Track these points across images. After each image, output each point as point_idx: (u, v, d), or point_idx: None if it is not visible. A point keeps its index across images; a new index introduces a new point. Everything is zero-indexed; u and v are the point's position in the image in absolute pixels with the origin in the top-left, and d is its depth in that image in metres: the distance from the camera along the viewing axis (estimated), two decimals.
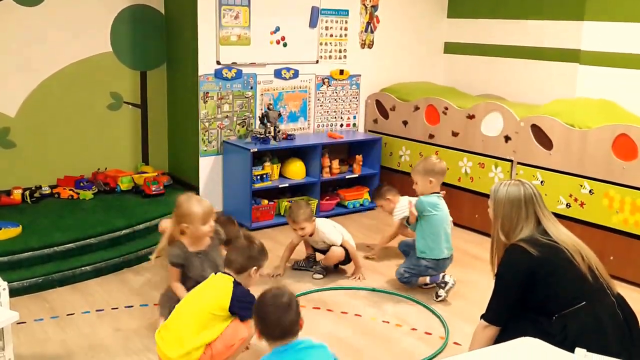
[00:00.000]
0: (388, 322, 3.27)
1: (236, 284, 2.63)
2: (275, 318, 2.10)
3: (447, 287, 3.53)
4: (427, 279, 3.62)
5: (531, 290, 2.38)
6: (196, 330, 2.54)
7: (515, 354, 1.86)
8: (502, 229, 2.48)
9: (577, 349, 1.89)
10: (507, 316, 2.43)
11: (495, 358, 1.83)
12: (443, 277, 3.57)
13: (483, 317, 2.47)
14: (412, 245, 3.74)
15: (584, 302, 2.32)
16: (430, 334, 3.17)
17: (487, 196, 4.47)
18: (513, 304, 2.41)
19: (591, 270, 2.37)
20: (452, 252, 3.69)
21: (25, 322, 3.11)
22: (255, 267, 2.71)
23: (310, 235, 3.80)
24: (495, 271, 2.49)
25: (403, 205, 4.08)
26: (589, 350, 2.13)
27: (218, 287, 2.64)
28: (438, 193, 3.69)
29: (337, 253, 3.79)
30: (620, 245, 3.84)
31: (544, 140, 4.26)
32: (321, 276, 3.81)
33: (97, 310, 3.29)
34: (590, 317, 2.30)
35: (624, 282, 3.80)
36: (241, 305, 2.58)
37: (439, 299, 3.52)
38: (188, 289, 2.87)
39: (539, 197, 2.49)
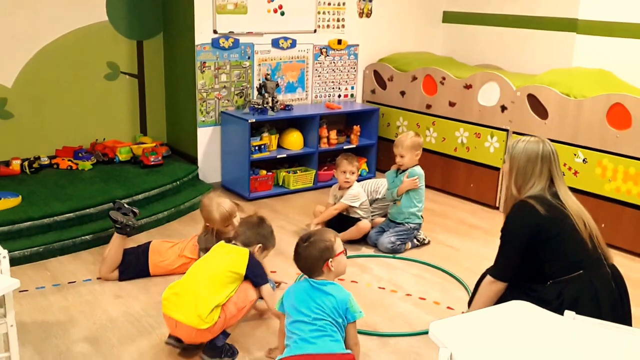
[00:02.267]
0: (383, 288, 3.34)
1: (251, 254, 2.69)
2: (297, 253, 2.41)
3: (426, 240, 3.94)
4: (409, 246, 3.86)
5: (533, 250, 2.39)
6: (211, 291, 2.56)
7: (505, 316, 1.91)
8: (516, 183, 2.47)
9: (567, 311, 1.94)
10: (513, 272, 2.44)
11: (486, 321, 1.88)
12: (422, 239, 3.93)
13: (489, 272, 2.49)
14: (381, 230, 3.88)
15: (581, 271, 2.36)
16: (424, 299, 3.23)
17: (483, 166, 4.61)
18: (519, 261, 2.42)
19: (591, 239, 2.39)
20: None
21: (27, 290, 3.17)
22: (260, 245, 2.77)
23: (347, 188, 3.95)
24: (502, 226, 2.49)
25: (359, 192, 4.02)
26: (583, 312, 2.16)
27: (234, 252, 2.70)
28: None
29: (364, 228, 3.87)
30: (612, 213, 3.90)
31: (539, 109, 4.27)
32: None
33: (97, 278, 3.34)
34: (586, 286, 2.34)
35: (615, 248, 3.86)
36: (255, 272, 2.67)
37: (424, 241, 3.92)
38: None
39: (556, 157, 2.49)
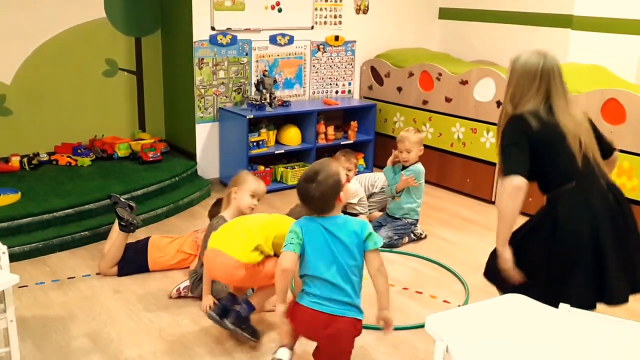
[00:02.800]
0: None
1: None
2: (304, 193, 2.24)
3: (423, 235, 3.97)
4: (406, 240, 3.88)
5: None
6: (258, 232, 2.57)
7: (501, 310, 1.94)
8: (512, 98, 2.37)
9: (561, 304, 1.96)
10: (526, 168, 2.27)
11: (482, 314, 1.91)
12: (419, 234, 3.95)
13: (503, 173, 2.31)
14: (378, 225, 3.89)
15: (574, 182, 2.30)
16: (420, 292, 3.26)
17: (479, 160, 4.64)
18: (527, 158, 2.28)
19: (585, 156, 2.32)
20: None
21: (27, 286, 3.18)
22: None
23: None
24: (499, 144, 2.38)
25: (357, 189, 4.05)
26: (580, 232, 2.27)
27: (284, 218, 2.71)
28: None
29: None
30: None
31: None
32: None
33: (97, 274, 3.36)
34: (581, 197, 2.29)
35: None
36: None
37: (421, 235, 3.95)
38: None
39: (558, 72, 2.35)
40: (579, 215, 2.29)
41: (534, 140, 2.29)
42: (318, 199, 2.22)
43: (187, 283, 3.12)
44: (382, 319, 2.32)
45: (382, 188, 4.13)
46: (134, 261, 3.36)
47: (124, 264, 3.35)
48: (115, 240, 3.35)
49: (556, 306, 2.21)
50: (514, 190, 2.26)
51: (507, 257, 2.34)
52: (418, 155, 3.86)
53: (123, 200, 3.48)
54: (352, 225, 2.25)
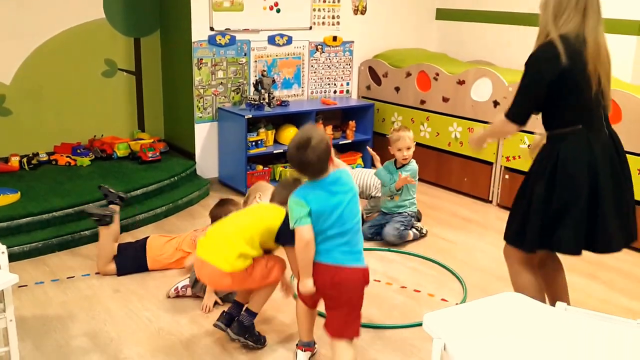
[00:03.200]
0: (379, 281, 3.38)
1: (287, 215, 2.55)
2: (299, 160, 2.26)
3: (424, 230, 4.02)
4: (412, 235, 3.91)
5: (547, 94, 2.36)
6: (240, 239, 2.53)
7: (498, 308, 1.95)
8: (554, 17, 2.35)
9: (558, 303, 1.98)
10: (527, 117, 2.38)
11: (479, 312, 1.92)
12: (421, 229, 4.01)
13: (505, 114, 2.43)
14: (378, 224, 3.92)
15: (580, 125, 2.35)
16: (419, 291, 3.28)
17: (476, 160, 4.65)
18: (535, 105, 2.38)
19: (598, 99, 2.37)
20: None
21: (26, 285, 3.19)
22: None
23: None
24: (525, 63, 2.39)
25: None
26: (579, 176, 2.34)
27: (272, 209, 2.65)
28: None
29: None
30: None
31: None
32: None
33: (96, 273, 3.36)
34: (584, 141, 2.35)
35: None
36: (287, 232, 2.51)
37: (422, 231, 4.00)
38: None
39: None
40: (580, 159, 2.34)
41: (555, 75, 2.31)
42: (315, 164, 2.25)
43: (185, 282, 3.13)
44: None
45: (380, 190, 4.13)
46: (132, 260, 3.37)
47: (122, 263, 3.36)
48: (100, 237, 3.37)
49: (550, 249, 2.43)
50: (503, 133, 2.61)
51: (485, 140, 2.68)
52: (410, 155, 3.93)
53: (112, 191, 3.49)
54: (343, 176, 2.32)
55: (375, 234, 3.91)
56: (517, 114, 2.40)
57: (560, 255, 2.65)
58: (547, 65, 2.32)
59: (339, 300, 2.32)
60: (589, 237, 2.37)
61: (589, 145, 2.36)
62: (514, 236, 2.53)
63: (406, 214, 3.90)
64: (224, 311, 2.75)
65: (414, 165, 3.91)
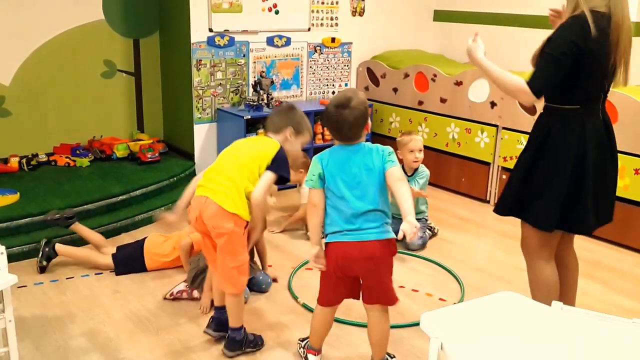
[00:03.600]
0: None
1: (281, 148, 2.54)
2: (336, 119, 2.20)
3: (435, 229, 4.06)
4: (428, 233, 3.99)
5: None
6: (242, 177, 2.46)
7: (494, 307, 1.95)
8: None
9: (554, 302, 1.99)
10: (549, 91, 2.33)
11: (476, 312, 1.93)
12: (433, 229, 4.04)
13: (527, 82, 2.30)
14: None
15: (579, 107, 2.36)
16: (417, 291, 3.29)
17: (474, 160, 4.67)
18: (557, 80, 2.29)
19: (602, 82, 2.36)
20: None
21: (25, 286, 3.20)
22: (291, 128, 2.59)
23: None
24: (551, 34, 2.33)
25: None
26: (566, 154, 2.37)
27: (266, 141, 2.56)
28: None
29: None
30: None
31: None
32: None
33: (96, 274, 3.37)
34: (578, 122, 2.36)
35: (603, 240, 3.95)
36: (280, 165, 2.49)
37: (434, 229, 4.04)
38: None
39: None
40: (570, 141, 2.36)
41: (579, 54, 2.26)
42: (350, 125, 2.20)
43: (181, 287, 3.13)
44: (404, 227, 2.10)
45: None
46: (131, 260, 3.38)
47: (121, 263, 3.37)
48: (79, 233, 3.54)
49: (522, 218, 2.51)
50: (523, 99, 2.35)
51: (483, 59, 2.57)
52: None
53: (58, 216, 3.51)
54: (375, 149, 2.25)
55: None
56: (537, 86, 2.28)
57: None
58: (576, 38, 2.24)
59: (370, 274, 2.29)
60: (565, 216, 2.39)
61: (582, 127, 2.36)
62: (499, 202, 2.59)
63: (424, 219, 3.95)
64: (211, 317, 2.76)
65: (426, 170, 3.91)
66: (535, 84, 2.29)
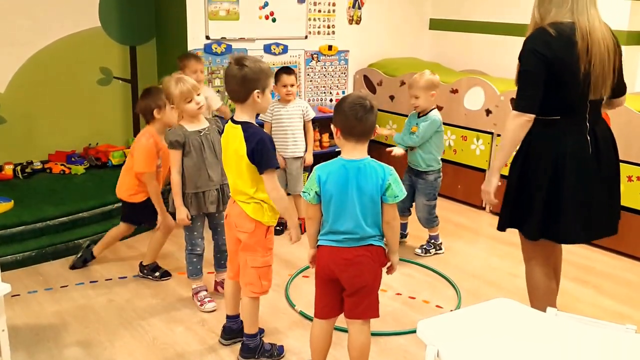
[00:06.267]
0: None
1: (246, 128, 2.39)
2: (358, 115, 2.17)
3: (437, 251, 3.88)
4: (433, 252, 3.87)
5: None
6: (245, 184, 2.43)
7: (490, 314, 1.96)
8: (541, 4, 2.39)
9: (549, 308, 1.99)
10: (536, 104, 2.34)
11: (472, 319, 1.93)
12: (439, 246, 3.90)
13: (513, 108, 2.39)
14: (407, 185, 3.65)
15: (559, 117, 2.39)
16: (414, 298, 3.28)
17: (469, 167, 4.67)
18: (541, 91, 2.33)
19: (585, 91, 2.35)
20: None
21: (19, 295, 3.18)
22: (257, 90, 2.38)
23: None
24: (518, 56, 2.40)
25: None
26: (543, 165, 2.41)
27: (233, 138, 2.41)
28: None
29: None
30: None
31: None
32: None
33: (90, 282, 3.36)
34: (558, 132, 2.39)
35: (598, 247, 3.95)
36: (260, 159, 2.36)
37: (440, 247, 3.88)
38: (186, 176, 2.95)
39: None
40: (548, 149, 2.41)
41: (547, 63, 2.31)
42: (368, 126, 2.20)
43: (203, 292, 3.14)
44: (393, 262, 2.29)
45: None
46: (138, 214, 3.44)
47: (129, 219, 3.48)
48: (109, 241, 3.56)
49: (521, 232, 2.57)
50: (524, 125, 2.37)
51: (494, 183, 2.52)
52: (429, 100, 3.61)
53: (81, 255, 3.57)
54: (376, 171, 2.19)
55: (405, 209, 3.85)
56: (526, 104, 2.35)
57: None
58: (539, 52, 2.32)
59: (353, 281, 2.24)
60: (549, 226, 2.44)
61: (561, 138, 2.39)
62: (499, 219, 2.64)
63: (432, 178, 3.69)
64: (223, 325, 2.78)
65: (431, 116, 3.61)
66: (520, 105, 2.37)
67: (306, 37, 5.25)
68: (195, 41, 4.67)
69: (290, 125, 3.99)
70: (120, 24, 4.88)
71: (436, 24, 5.88)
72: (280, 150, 3.92)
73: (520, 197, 2.49)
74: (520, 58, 2.39)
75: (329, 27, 5.37)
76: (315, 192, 2.24)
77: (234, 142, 2.40)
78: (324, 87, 5.50)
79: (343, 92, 5.63)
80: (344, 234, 2.22)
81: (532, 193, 2.45)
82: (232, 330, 2.75)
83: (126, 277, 3.44)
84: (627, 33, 4.46)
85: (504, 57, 5.19)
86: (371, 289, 2.27)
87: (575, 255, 3.81)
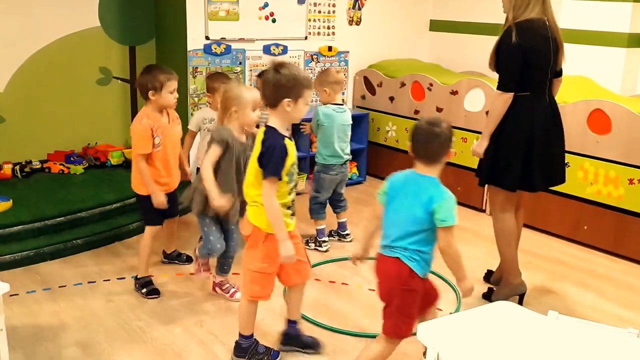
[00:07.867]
0: (374, 290, 3.36)
1: (267, 132, 2.39)
2: (423, 140, 2.26)
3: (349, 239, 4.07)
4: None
5: None
6: (255, 184, 2.44)
7: (491, 317, 1.95)
8: (515, 6, 2.91)
9: (550, 311, 1.99)
10: (514, 82, 2.90)
11: (472, 321, 1.93)
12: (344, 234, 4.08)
13: (497, 88, 2.97)
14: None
15: (529, 93, 2.94)
16: None
17: (469, 169, 4.67)
18: (517, 71, 2.88)
19: (547, 71, 2.95)
20: (341, 160, 3.92)
21: (17, 295, 3.17)
22: (287, 99, 2.34)
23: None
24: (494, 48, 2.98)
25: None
26: (518, 133, 2.97)
27: (259, 137, 2.43)
28: (339, 104, 3.92)
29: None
30: (594, 215, 3.99)
31: None
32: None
33: (89, 282, 3.35)
34: (527, 105, 2.95)
35: (597, 249, 3.97)
36: (265, 166, 2.37)
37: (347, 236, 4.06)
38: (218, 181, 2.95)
39: None
40: (522, 118, 2.95)
41: (523, 52, 2.85)
42: (437, 145, 2.24)
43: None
44: (461, 290, 2.46)
45: None
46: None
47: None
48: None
49: (501, 186, 3.09)
50: (507, 101, 2.94)
51: (484, 146, 3.05)
52: (323, 97, 3.86)
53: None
54: (428, 190, 2.25)
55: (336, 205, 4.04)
56: (504, 84, 2.94)
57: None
58: (515, 42, 2.86)
59: (383, 287, 2.35)
60: (525, 177, 3.00)
61: (531, 108, 2.96)
62: (478, 175, 3.18)
63: (316, 168, 3.93)
64: (282, 331, 2.78)
65: (315, 110, 3.88)
66: (504, 86, 2.96)
67: (306, 37, 5.24)
68: (195, 41, 4.67)
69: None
70: (119, 24, 4.88)
71: (436, 25, 5.88)
72: None
73: (498, 156, 3.00)
74: (499, 47, 2.93)
75: (328, 28, 5.36)
76: (385, 192, 2.34)
77: (257, 143, 2.44)
78: None
79: (343, 94, 5.62)
80: (384, 238, 2.31)
81: (510, 153, 2.97)
82: (290, 336, 2.73)
83: (124, 278, 3.43)
84: (628, 35, 4.47)
85: None
86: (390, 310, 2.32)
87: (576, 259, 3.82)
